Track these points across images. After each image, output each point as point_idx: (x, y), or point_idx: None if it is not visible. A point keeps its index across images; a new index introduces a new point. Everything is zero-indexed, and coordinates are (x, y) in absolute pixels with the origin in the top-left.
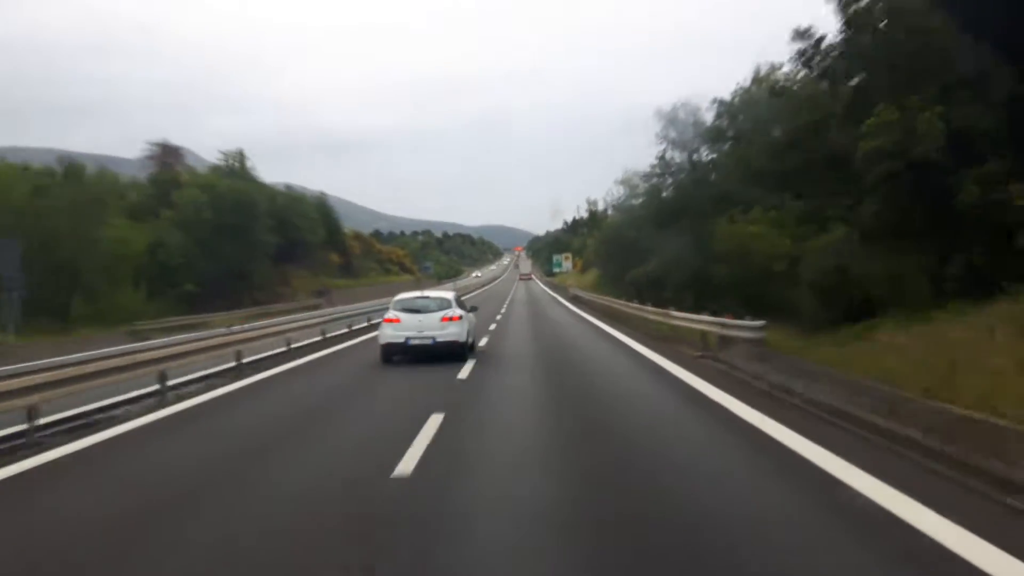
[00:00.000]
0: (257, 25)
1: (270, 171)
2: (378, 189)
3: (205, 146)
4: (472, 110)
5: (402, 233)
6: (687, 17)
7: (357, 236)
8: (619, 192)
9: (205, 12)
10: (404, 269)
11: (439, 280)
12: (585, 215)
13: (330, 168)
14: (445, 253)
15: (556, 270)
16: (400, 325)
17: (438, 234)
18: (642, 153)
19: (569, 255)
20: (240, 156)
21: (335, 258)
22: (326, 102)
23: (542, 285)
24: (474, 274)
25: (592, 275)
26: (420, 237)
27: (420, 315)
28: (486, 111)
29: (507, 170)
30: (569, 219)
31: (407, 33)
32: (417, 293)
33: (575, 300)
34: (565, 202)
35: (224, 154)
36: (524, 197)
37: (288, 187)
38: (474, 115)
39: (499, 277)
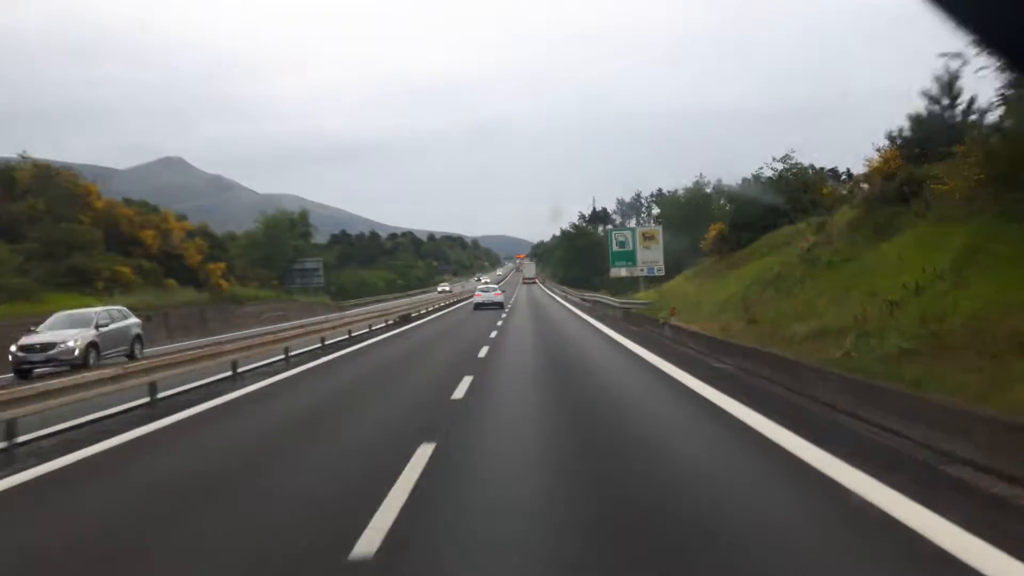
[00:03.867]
0: (263, 34)
1: (266, 181)
2: (376, 200)
3: (201, 154)
4: (471, 119)
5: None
6: (691, 21)
7: None
8: None
9: (202, 17)
10: (195, 280)
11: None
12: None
13: (327, 179)
14: (422, 258)
15: (622, 268)
16: (481, 296)
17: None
18: (645, 164)
19: (656, 232)
20: None
21: None
22: (323, 113)
23: (577, 317)
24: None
25: None
26: (398, 238)
27: (487, 292)
28: (486, 120)
29: (511, 181)
30: (581, 215)
31: (425, 45)
32: (484, 284)
33: None
34: (567, 209)
35: None
36: (527, 209)
37: None
38: (474, 124)
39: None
